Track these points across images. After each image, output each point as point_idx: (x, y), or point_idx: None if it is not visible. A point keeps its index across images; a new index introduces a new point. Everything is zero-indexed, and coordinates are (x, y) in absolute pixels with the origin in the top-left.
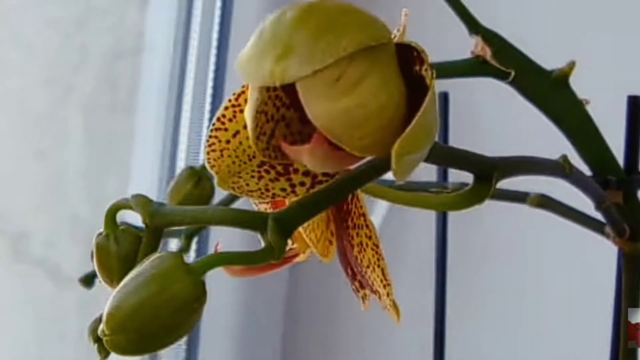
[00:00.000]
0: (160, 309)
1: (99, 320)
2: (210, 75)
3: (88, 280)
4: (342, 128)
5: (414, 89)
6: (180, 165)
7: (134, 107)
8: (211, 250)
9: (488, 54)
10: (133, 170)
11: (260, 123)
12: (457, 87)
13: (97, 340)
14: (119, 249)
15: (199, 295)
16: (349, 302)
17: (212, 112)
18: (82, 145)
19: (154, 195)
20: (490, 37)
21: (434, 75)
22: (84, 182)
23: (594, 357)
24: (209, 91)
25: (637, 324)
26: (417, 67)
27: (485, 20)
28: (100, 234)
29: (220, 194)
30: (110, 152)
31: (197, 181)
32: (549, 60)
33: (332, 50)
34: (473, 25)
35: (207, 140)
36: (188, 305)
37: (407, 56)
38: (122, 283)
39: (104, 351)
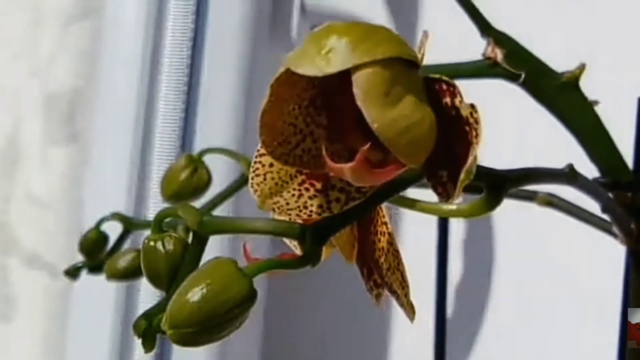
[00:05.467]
0: (218, 307)
1: (144, 316)
2: (189, 41)
3: (73, 272)
4: (391, 133)
5: (442, 118)
6: (156, 138)
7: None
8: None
9: (499, 56)
10: (97, 141)
11: (287, 133)
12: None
13: (142, 335)
14: (166, 254)
15: (251, 296)
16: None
17: (191, 89)
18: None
19: (122, 176)
20: (502, 39)
21: (475, 108)
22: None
23: (601, 358)
24: (187, 61)
25: (638, 323)
26: (448, 100)
27: (496, 22)
28: (147, 239)
29: (217, 184)
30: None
31: (194, 170)
32: (559, 62)
33: (370, 53)
34: (485, 27)
35: (252, 167)
36: (242, 304)
37: (434, 88)
38: (183, 284)
39: (148, 346)
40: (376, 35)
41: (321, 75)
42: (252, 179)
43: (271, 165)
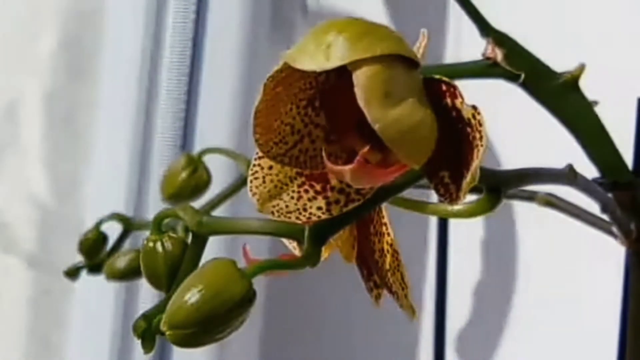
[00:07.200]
0: (217, 308)
1: (143, 317)
2: (189, 41)
3: (73, 272)
4: (392, 132)
5: (442, 118)
6: (156, 138)
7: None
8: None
9: (499, 56)
10: (97, 140)
11: (284, 133)
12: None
13: (141, 336)
14: (165, 254)
15: (250, 297)
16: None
17: (191, 88)
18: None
19: (123, 175)
20: (502, 39)
21: (478, 110)
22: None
23: (601, 357)
24: (187, 61)
25: None
26: (449, 101)
27: (496, 22)
28: (146, 239)
29: (217, 184)
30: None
31: (193, 171)
32: (559, 62)
33: (369, 49)
34: (485, 28)
35: (251, 170)
36: (241, 305)
37: (434, 89)
38: (182, 285)
39: (147, 347)
40: (376, 33)
41: (320, 71)
42: (251, 182)
43: (270, 167)
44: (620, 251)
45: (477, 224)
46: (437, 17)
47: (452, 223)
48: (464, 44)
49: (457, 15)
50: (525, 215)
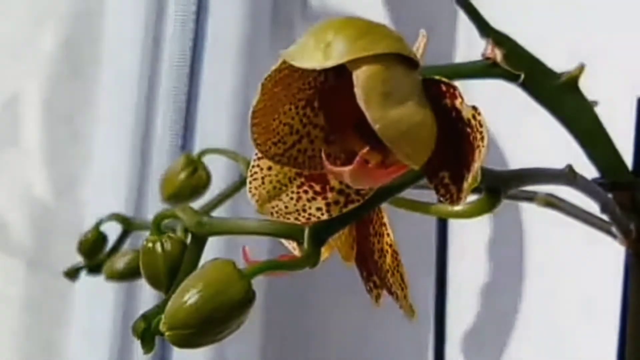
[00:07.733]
0: (217, 308)
1: (143, 317)
2: (189, 41)
3: (73, 273)
4: (392, 133)
5: (442, 119)
6: (156, 138)
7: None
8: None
9: (499, 56)
10: (97, 141)
11: (282, 133)
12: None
13: (141, 337)
14: (165, 255)
15: (250, 297)
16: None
17: (191, 88)
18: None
19: (122, 176)
20: (501, 40)
21: (478, 110)
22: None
23: (600, 357)
24: (187, 61)
25: None
26: (448, 101)
27: (495, 22)
28: (146, 240)
29: (217, 184)
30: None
31: (193, 171)
32: (559, 62)
33: (369, 48)
34: (484, 28)
35: (250, 171)
36: (241, 305)
37: (433, 89)
38: (181, 286)
39: (147, 347)
40: (375, 32)
41: (319, 69)
42: (250, 183)
43: (269, 168)
44: (620, 251)
45: (477, 223)
46: (448, 17)
47: (452, 223)
48: (475, 44)
49: None
50: (525, 215)
